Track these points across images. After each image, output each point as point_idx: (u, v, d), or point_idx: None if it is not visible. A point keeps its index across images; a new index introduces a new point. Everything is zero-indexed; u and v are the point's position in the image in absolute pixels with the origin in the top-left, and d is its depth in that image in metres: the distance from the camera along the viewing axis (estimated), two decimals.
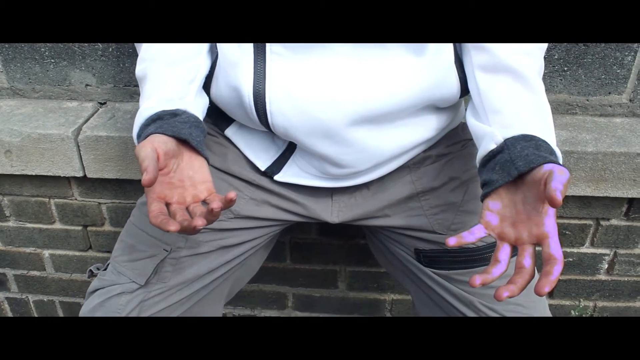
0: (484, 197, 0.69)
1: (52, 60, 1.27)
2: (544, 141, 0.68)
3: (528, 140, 0.68)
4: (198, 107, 0.80)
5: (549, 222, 0.61)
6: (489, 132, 0.72)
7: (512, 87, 0.75)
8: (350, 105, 0.75)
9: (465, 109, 0.83)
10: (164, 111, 0.74)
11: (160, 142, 0.69)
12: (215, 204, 0.66)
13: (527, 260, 0.62)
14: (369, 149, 0.81)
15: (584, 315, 1.42)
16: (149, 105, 0.75)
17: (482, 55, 0.76)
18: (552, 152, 0.67)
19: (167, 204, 0.70)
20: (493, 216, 0.67)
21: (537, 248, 0.65)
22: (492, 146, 0.70)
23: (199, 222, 0.65)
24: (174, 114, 0.74)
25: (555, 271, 0.57)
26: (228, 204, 0.69)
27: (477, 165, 0.74)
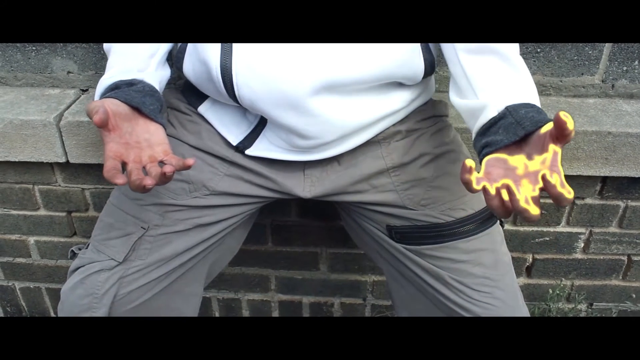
0: (484, 157, 0.70)
1: (34, 48, 1.29)
2: (542, 109, 0.72)
3: (530, 107, 0.71)
4: (156, 78, 0.84)
5: (557, 168, 0.63)
6: (488, 103, 0.74)
7: (499, 67, 0.78)
8: (311, 75, 0.78)
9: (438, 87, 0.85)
10: (121, 81, 0.79)
11: (111, 103, 0.73)
12: (168, 168, 0.70)
13: (534, 191, 0.63)
14: (333, 119, 0.83)
15: (560, 294, 1.45)
16: (108, 76, 0.81)
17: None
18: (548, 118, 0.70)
19: (125, 164, 0.73)
20: (496, 168, 0.68)
21: None
22: (494, 113, 0.73)
23: (148, 181, 0.69)
24: (130, 83, 0.79)
25: (569, 192, 0.60)
26: (184, 167, 0.73)
27: (474, 134, 0.76)
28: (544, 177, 0.61)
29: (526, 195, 0.63)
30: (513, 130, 0.68)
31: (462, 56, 0.80)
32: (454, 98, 0.83)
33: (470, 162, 0.63)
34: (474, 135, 0.77)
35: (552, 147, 0.63)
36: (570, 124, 0.59)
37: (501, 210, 0.65)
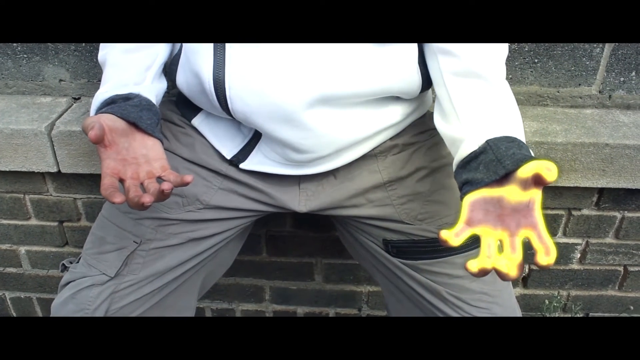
0: (464, 195, 0.69)
1: (25, 56, 1.27)
2: (523, 142, 0.70)
3: (510, 141, 0.69)
4: (152, 91, 0.83)
5: (537, 215, 0.63)
6: (468, 135, 0.73)
7: (485, 93, 0.76)
8: (306, 88, 0.76)
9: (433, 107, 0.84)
10: (117, 95, 0.78)
11: (107, 119, 0.72)
12: (166, 185, 0.69)
13: (517, 250, 0.63)
14: (328, 133, 0.81)
15: (556, 305, 1.44)
16: (103, 90, 0.80)
17: (451, 60, 0.78)
18: (530, 152, 0.69)
19: (122, 180, 0.72)
20: (476, 212, 0.67)
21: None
22: (474, 147, 0.71)
23: (147, 199, 0.67)
24: (127, 97, 0.78)
25: (552, 254, 0.60)
26: (181, 184, 0.72)
27: (455, 167, 0.75)
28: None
29: (508, 260, 0.63)
30: (493, 168, 0.67)
31: (447, 78, 0.78)
32: (438, 120, 0.81)
33: (445, 235, 0.63)
34: (454, 167, 0.75)
35: (533, 193, 0.62)
36: (550, 178, 0.58)
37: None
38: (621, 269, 1.39)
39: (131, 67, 0.83)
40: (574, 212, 1.31)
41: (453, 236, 0.64)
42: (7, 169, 1.24)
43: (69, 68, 1.28)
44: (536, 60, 1.21)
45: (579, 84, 1.24)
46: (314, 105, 0.78)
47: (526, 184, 0.63)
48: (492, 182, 0.66)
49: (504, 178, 0.66)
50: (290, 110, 0.77)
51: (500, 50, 0.79)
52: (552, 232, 1.34)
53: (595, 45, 1.19)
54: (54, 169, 1.23)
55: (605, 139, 1.15)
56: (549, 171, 0.58)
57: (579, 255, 1.38)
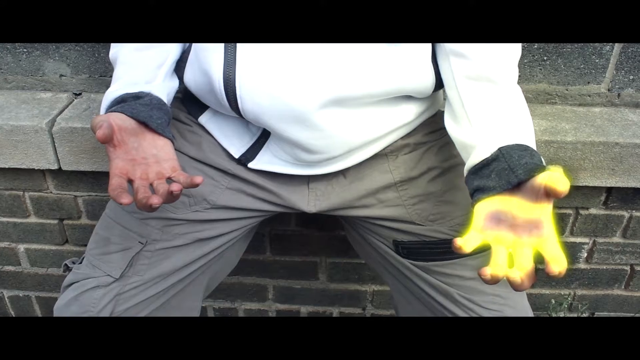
0: (476, 202, 0.68)
1: (25, 50, 1.25)
2: (535, 151, 0.69)
3: (523, 150, 0.68)
4: (164, 90, 0.81)
5: (549, 226, 0.62)
6: (480, 141, 0.72)
7: (497, 98, 0.75)
8: (318, 89, 0.74)
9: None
10: (127, 94, 0.76)
11: (116, 118, 0.70)
12: (175, 187, 0.67)
13: (529, 260, 0.62)
14: (340, 134, 0.80)
15: (564, 304, 1.43)
16: (114, 89, 0.78)
17: (463, 62, 0.76)
18: (542, 161, 0.68)
19: (131, 181, 0.70)
20: (489, 220, 0.66)
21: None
22: (486, 154, 0.70)
23: (155, 200, 0.65)
24: (137, 96, 0.76)
25: (563, 264, 0.59)
26: (191, 185, 0.70)
27: (466, 172, 0.74)
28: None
29: (520, 270, 0.62)
30: (506, 177, 0.66)
31: (459, 81, 0.77)
32: (449, 123, 0.80)
33: (460, 242, 0.62)
34: (465, 172, 0.74)
35: (545, 205, 0.62)
36: (563, 189, 0.57)
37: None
38: (628, 268, 1.39)
39: (142, 65, 0.81)
40: (582, 211, 1.29)
41: (467, 244, 0.63)
42: (7, 166, 1.21)
43: (69, 63, 1.25)
44: (545, 58, 1.20)
45: (588, 82, 1.22)
46: (326, 106, 0.76)
47: (538, 194, 0.62)
48: (504, 190, 0.66)
49: (515, 187, 0.66)
50: (302, 111, 0.75)
51: (513, 53, 0.78)
52: (560, 231, 1.33)
53: (605, 43, 1.17)
54: (55, 166, 1.21)
55: (615, 138, 1.13)
56: (562, 184, 0.57)
57: (585, 255, 1.36)
